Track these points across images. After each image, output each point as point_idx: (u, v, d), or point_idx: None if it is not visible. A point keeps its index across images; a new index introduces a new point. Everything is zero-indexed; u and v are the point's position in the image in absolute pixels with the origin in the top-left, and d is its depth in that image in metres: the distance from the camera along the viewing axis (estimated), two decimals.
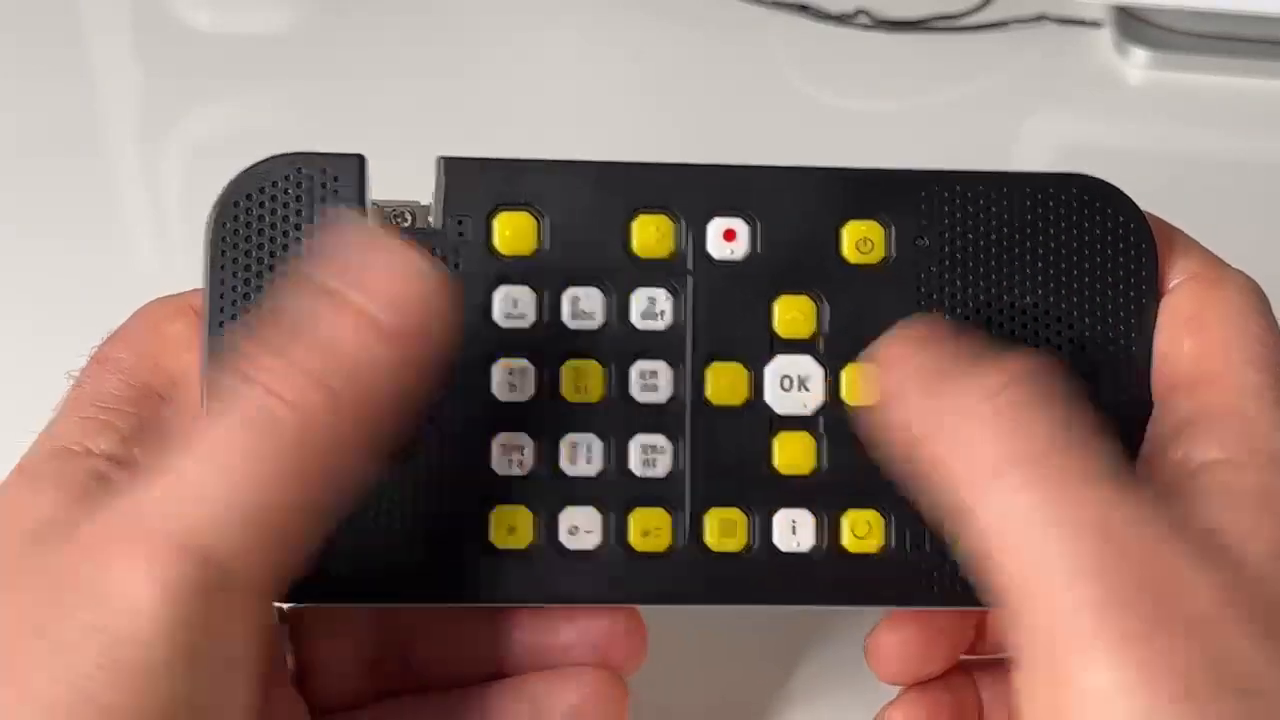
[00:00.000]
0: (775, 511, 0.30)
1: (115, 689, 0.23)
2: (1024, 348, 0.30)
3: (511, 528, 0.30)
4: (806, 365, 0.31)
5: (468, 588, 0.30)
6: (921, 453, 0.27)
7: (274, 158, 0.30)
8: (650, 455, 0.30)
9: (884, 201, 0.31)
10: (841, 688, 0.37)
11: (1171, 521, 0.25)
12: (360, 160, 0.30)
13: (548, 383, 0.30)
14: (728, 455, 0.31)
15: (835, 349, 0.31)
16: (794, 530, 0.30)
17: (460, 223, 0.30)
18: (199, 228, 0.30)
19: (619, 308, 0.31)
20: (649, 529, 0.30)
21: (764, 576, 0.30)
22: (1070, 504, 0.25)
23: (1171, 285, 0.31)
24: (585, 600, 0.31)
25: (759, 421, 0.31)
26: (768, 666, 0.38)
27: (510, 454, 0.30)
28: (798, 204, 0.31)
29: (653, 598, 0.31)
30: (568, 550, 0.30)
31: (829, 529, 0.30)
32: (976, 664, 0.34)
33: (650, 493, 0.30)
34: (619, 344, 0.31)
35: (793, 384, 0.31)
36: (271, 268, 0.30)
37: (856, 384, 0.31)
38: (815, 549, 0.30)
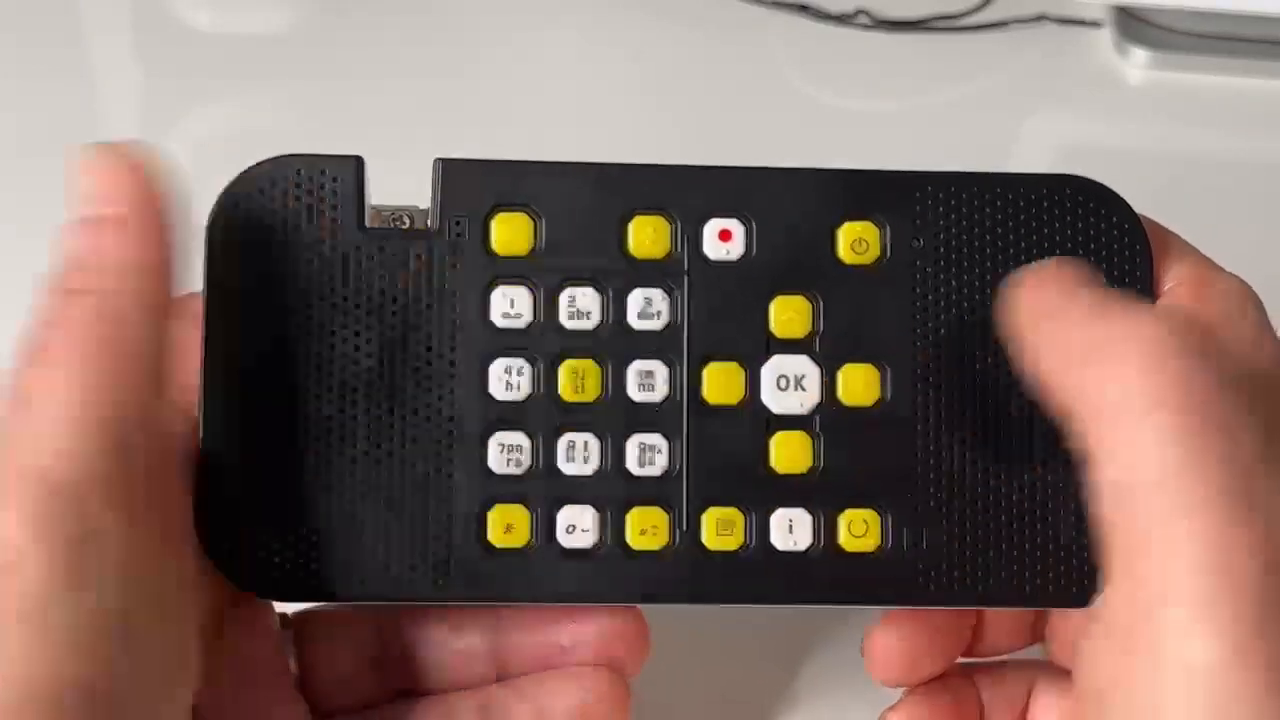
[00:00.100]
0: (772, 511, 0.31)
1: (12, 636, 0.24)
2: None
3: (509, 527, 0.30)
4: (802, 365, 0.31)
5: (466, 587, 0.30)
6: (1063, 381, 0.28)
7: (272, 160, 0.30)
8: (647, 454, 0.31)
9: (879, 202, 0.31)
10: (843, 688, 0.37)
11: None
12: (358, 162, 0.30)
13: (545, 382, 0.30)
14: (724, 454, 0.31)
15: (831, 349, 0.31)
16: (791, 529, 0.31)
17: (457, 224, 0.30)
18: (199, 228, 0.30)
19: (615, 308, 0.31)
20: (646, 528, 0.30)
21: (761, 575, 0.30)
22: (1213, 467, 0.25)
23: (1165, 289, 0.31)
24: (582, 599, 0.31)
25: (755, 421, 0.31)
26: (770, 667, 0.38)
27: (507, 453, 0.30)
28: (793, 205, 0.31)
29: (650, 597, 0.31)
30: (565, 549, 0.30)
31: (826, 528, 0.31)
32: (977, 667, 0.34)
33: (647, 492, 0.30)
34: (616, 344, 0.31)
35: (789, 383, 0.31)
36: (270, 269, 0.30)
37: (852, 383, 0.31)
38: (812, 548, 0.31)
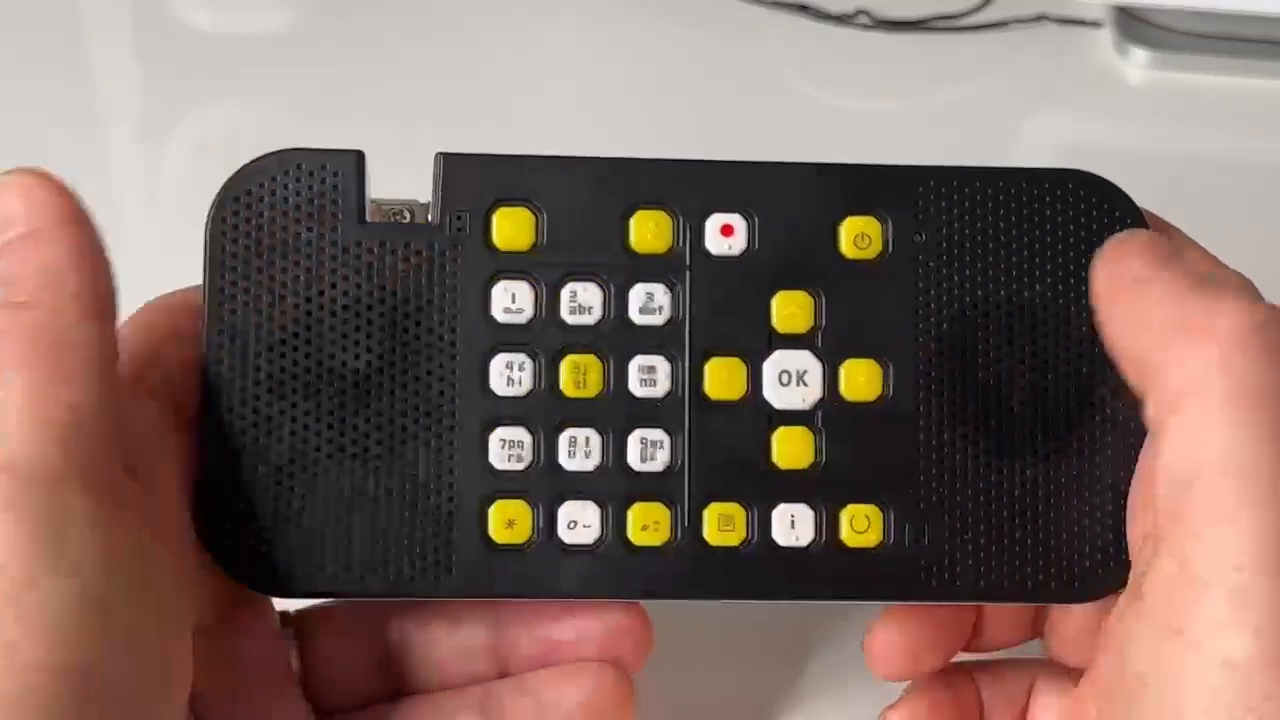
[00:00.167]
0: (774, 506, 0.30)
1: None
2: (1017, 344, 0.30)
3: (510, 522, 0.30)
4: (805, 360, 0.31)
5: (467, 582, 0.30)
6: (1142, 354, 0.28)
7: (273, 154, 0.30)
8: (649, 450, 0.30)
9: (881, 197, 0.31)
10: (846, 685, 0.37)
11: None
12: (359, 156, 0.30)
13: (546, 377, 0.30)
14: (726, 450, 0.31)
15: (833, 344, 0.31)
16: (793, 525, 0.30)
17: (459, 218, 0.30)
18: (199, 227, 0.30)
19: (617, 303, 0.31)
20: (648, 524, 0.30)
21: (763, 571, 0.30)
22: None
23: None
24: (584, 595, 0.31)
25: (757, 416, 0.31)
26: (772, 663, 0.38)
27: (509, 449, 0.30)
28: (795, 200, 0.31)
29: (651, 592, 0.31)
30: (566, 545, 0.30)
31: (828, 523, 0.30)
32: (977, 665, 0.34)
33: (649, 487, 0.30)
34: (617, 339, 0.31)
35: (791, 379, 0.31)
36: (271, 263, 0.30)
37: (854, 379, 0.31)
38: (814, 543, 0.30)
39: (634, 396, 0.31)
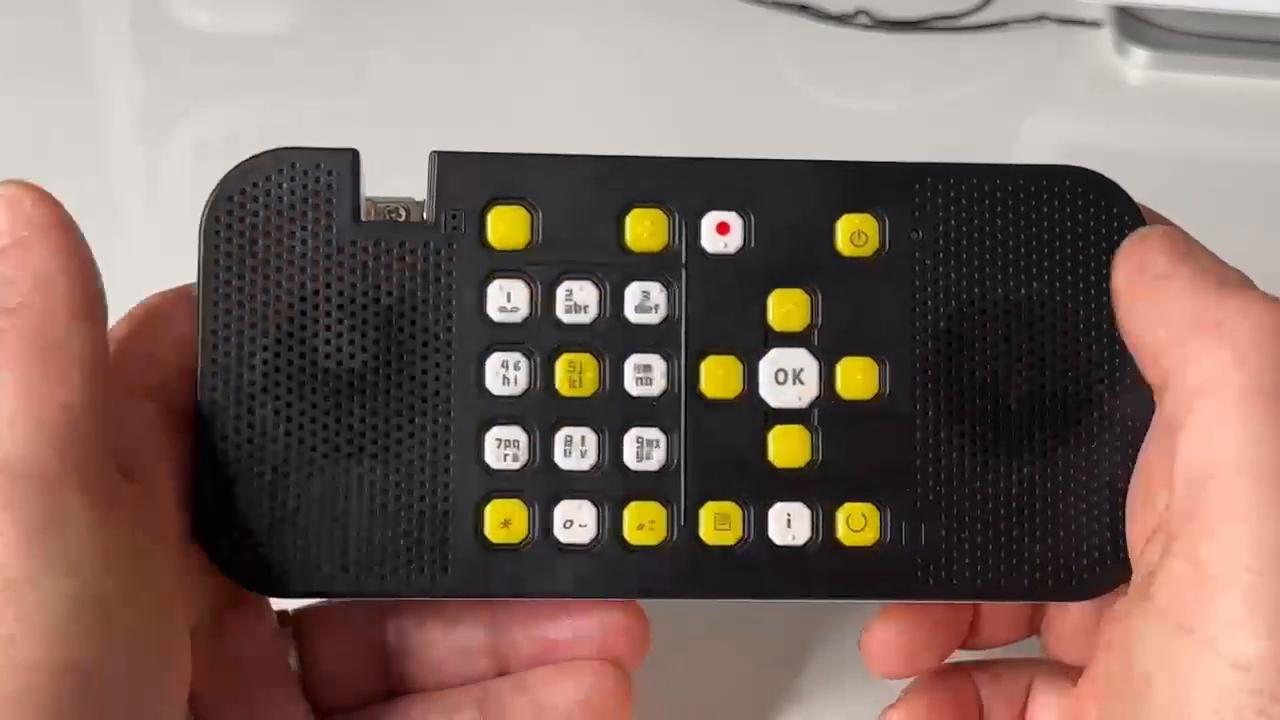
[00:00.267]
0: (770, 505, 0.30)
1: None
2: (1015, 342, 0.30)
3: (506, 522, 0.30)
4: (801, 358, 0.31)
5: (463, 582, 0.30)
6: (1162, 349, 0.28)
7: (268, 152, 0.30)
8: (645, 449, 0.30)
9: (878, 194, 0.31)
10: (843, 683, 0.37)
11: None
12: (354, 155, 0.30)
13: (541, 376, 0.30)
14: (722, 448, 0.30)
15: (830, 342, 0.31)
16: (789, 523, 0.30)
17: (454, 216, 0.30)
18: (199, 227, 0.30)
19: (613, 301, 0.31)
20: (644, 523, 0.30)
21: (759, 570, 0.30)
22: None
23: None
24: (580, 594, 0.31)
25: (754, 415, 0.31)
26: (769, 662, 0.38)
27: (504, 448, 0.30)
28: (792, 197, 0.31)
29: (647, 592, 0.31)
30: (563, 544, 0.30)
31: (824, 522, 0.30)
32: (975, 665, 0.34)
33: (645, 486, 0.30)
34: (613, 337, 0.31)
35: (787, 377, 0.31)
36: (266, 262, 0.30)
37: (851, 377, 0.31)
38: (810, 542, 0.30)
39: (630, 395, 0.30)
